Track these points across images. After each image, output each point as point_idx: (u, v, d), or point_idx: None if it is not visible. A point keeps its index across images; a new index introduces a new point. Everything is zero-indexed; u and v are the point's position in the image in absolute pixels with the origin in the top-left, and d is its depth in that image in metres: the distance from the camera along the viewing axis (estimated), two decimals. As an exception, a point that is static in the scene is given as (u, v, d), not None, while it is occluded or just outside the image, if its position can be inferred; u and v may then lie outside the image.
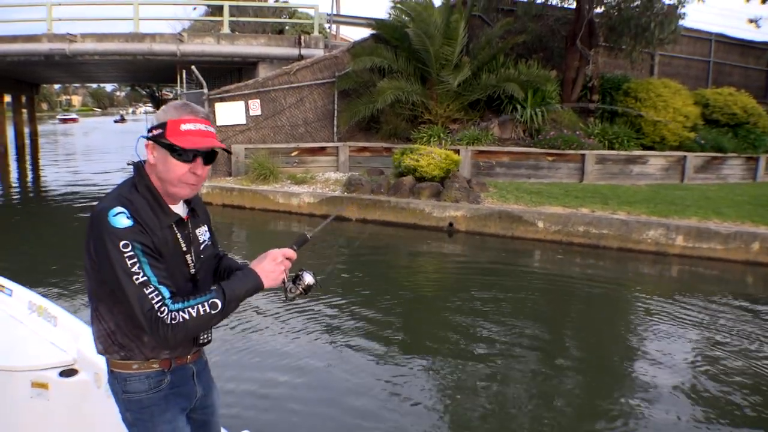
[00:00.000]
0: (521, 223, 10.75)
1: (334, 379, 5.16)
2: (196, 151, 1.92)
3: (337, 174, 14.60)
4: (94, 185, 18.13)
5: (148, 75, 32.10)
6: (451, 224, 11.19)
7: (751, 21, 20.40)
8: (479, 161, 14.05)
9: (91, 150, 33.55)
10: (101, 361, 2.98)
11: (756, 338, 6.38)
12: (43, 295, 3.90)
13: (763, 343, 6.24)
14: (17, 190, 18.58)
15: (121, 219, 1.79)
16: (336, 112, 15.91)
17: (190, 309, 1.78)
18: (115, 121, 72.22)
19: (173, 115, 1.91)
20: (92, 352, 3.05)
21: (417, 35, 13.98)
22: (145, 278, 1.77)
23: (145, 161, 1.98)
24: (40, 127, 36.82)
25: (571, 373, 5.53)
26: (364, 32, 17.96)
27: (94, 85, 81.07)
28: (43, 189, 18.68)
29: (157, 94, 49.95)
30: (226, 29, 19.76)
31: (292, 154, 15.05)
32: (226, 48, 18.79)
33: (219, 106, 15.25)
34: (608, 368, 5.71)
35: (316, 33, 19.12)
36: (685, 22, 18.06)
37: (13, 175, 22.90)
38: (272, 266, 1.97)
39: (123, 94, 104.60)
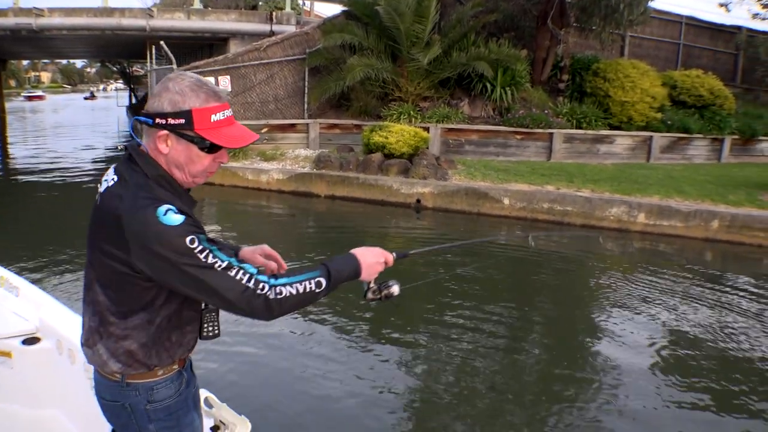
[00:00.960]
0: (487, 199, 10.88)
1: (300, 353, 5.22)
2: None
3: (307, 151, 14.59)
4: (64, 162, 17.89)
5: (118, 51, 31.59)
6: (418, 201, 11.28)
7: (721, 5, 20.55)
8: (449, 139, 14.12)
9: (61, 127, 33.04)
10: (63, 329, 3.03)
11: (715, 310, 6.58)
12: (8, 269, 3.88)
13: (721, 315, 6.45)
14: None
15: (172, 216, 1.58)
16: (306, 88, 15.84)
17: (297, 284, 1.70)
18: (85, 98, 71.06)
19: (196, 102, 1.67)
20: (55, 320, 3.10)
21: (387, 12, 13.94)
22: (225, 262, 1.62)
23: (139, 145, 1.76)
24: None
25: (534, 346, 5.69)
26: (338, 9, 17.84)
27: (64, 62, 79.60)
28: (11, 167, 18.38)
29: (128, 71, 49.11)
30: (196, 4, 19.57)
31: (263, 131, 14.97)
32: (196, 23, 18.62)
33: (188, 82, 15.06)
34: (571, 341, 5.87)
35: (288, 9, 18.99)
36: (656, 5, 18.35)
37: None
38: (374, 260, 1.91)
39: (93, 70, 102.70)
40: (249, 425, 2.23)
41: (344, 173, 12.18)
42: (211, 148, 1.72)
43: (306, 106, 15.94)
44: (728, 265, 9.05)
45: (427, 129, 13.64)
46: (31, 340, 3.21)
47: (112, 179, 1.73)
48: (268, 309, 1.66)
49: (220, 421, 2.26)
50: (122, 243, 1.61)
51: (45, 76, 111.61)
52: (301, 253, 8.34)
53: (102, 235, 1.69)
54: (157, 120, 1.67)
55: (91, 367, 1.90)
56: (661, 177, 12.46)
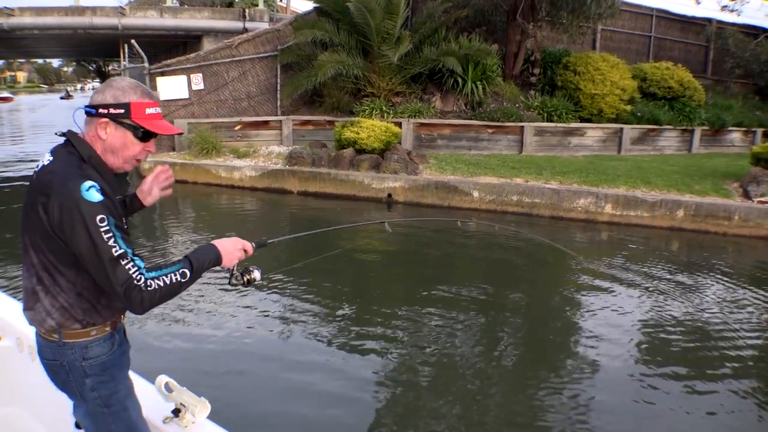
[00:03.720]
0: (457, 193, 10.98)
1: (281, 346, 5.32)
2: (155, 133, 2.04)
3: (280, 148, 14.60)
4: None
5: (92, 49, 31.35)
6: (389, 195, 11.36)
7: (691, -3, 20.86)
8: (421, 134, 14.21)
9: (38, 126, 32.71)
10: (23, 326, 3.05)
11: (681, 298, 6.72)
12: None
13: (688, 302, 6.60)
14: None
15: (93, 193, 1.83)
16: (279, 85, 15.85)
17: (164, 277, 1.90)
18: (62, 98, 70.09)
19: (134, 97, 1.98)
20: (13, 318, 3.12)
21: (358, 9, 13.98)
22: (122, 251, 1.84)
23: (80, 134, 2.01)
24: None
25: (505, 336, 5.79)
26: (312, 5, 17.83)
27: (41, 61, 78.55)
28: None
29: (104, 70, 48.74)
30: (169, 2, 19.48)
31: (236, 128, 14.98)
32: (169, 21, 18.54)
33: (161, 81, 15.06)
34: (542, 333, 5.97)
35: (261, 6, 18.96)
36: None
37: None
38: (233, 248, 2.16)
39: (70, 69, 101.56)
40: (209, 406, 2.31)
41: (316, 169, 12.23)
42: (143, 137, 2.02)
43: (279, 102, 15.96)
44: (693, 254, 9.20)
45: (399, 124, 13.72)
46: None
47: (48, 159, 1.97)
48: (141, 301, 1.86)
49: (181, 404, 2.32)
50: (49, 208, 1.84)
51: (21, 76, 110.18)
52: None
53: (34, 203, 1.90)
54: (100, 110, 1.97)
55: None
56: (629, 168, 12.63)
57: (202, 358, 4.96)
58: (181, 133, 2.30)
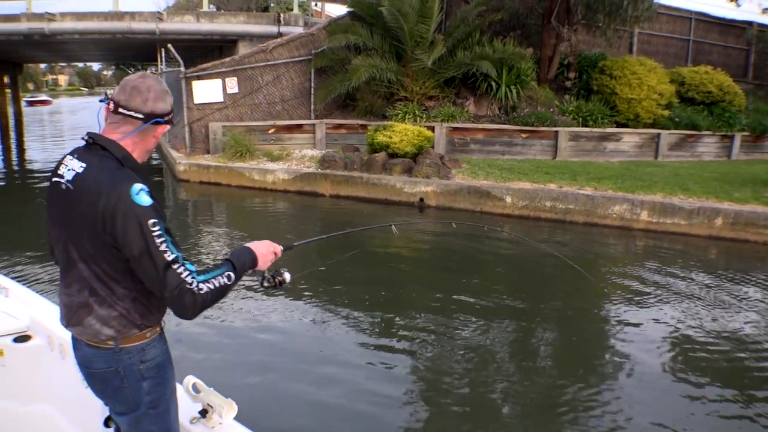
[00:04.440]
0: (489, 198, 10.89)
1: (308, 348, 5.34)
2: None
3: (313, 151, 14.67)
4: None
5: (130, 54, 31.92)
6: (422, 199, 11.32)
7: (731, 0, 20.38)
8: (454, 138, 14.14)
9: (78, 128, 33.35)
10: (53, 325, 3.11)
11: (719, 308, 6.56)
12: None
13: (727, 313, 6.43)
14: (2, 169, 18.57)
15: (143, 197, 1.82)
16: (313, 89, 15.94)
17: (213, 280, 1.90)
18: (101, 101, 71.21)
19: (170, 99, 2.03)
20: (45, 318, 3.19)
21: (391, 13, 13.99)
22: (174, 255, 1.84)
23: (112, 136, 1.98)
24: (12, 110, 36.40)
25: (541, 343, 5.74)
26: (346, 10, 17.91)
27: (81, 65, 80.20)
28: (29, 168, 18.69)
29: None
30: (205, 7, 19.72)
31: (269, 132, 15.09)
32: (205, 26, 18.77)
33: (196, 84, 15.24)
34: (577, 340, 5.90)
35: (295, 11, 19.10)
36: (665, 0, 18.16)
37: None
38: (266, 251, 2.18)
39: (110, 73, 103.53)
40: (236, 407, 2.32)
41: (348, 173, 12.25)
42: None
43: (312, 106, 16.04)
44: (732, 263, 8.97)
45: (432, 128, 13.67)
46: (22, 338, 3.29)
47: (80, 166, 1.91)
48: (194, 304, 1.86)
49: (208, 405, 2.34)
50: (101, 217, 1.81)
51: (62, 79, 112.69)
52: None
53: (81, 214, 1.86)
54: (167, 117, 2.01)
55: None
56: (666, 174, 12.38)
57: (230, 360, 5.00)
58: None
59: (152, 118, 1.96)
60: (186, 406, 2.41)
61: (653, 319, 6.21)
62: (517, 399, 4.58)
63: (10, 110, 35.27)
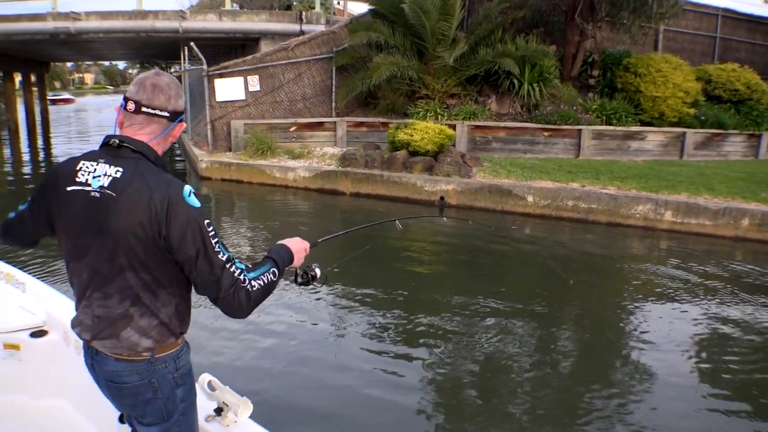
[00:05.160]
0: (511, 197, 10.80)
1: (324, 348, 5.33)
2: None
3: (334, 149, 14.67)
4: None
5: (155, 52, 32.18)
6: (442, 198, 11.25)
7: (759, -4, 20.05)
8: (476, 136, 14.05)
9: (103, 126, 33.73)
10: (70, 321, 3.14)
11: (745, 311, 6.43)
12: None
13: (752, 317, 6.30)
14: (28, 167, 18.85)
15: (194, 198, 1.80)
16: (334, 87, 15.95)
17: (262, 277, 1.92)
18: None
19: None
20: (61, 313, 3.20)
21: (413, 10, 13.93)
22: (227, 255, 1.84)
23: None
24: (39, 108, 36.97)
25: (566, 345, 5.67)
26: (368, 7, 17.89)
27: (107, 63, 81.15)
28: (54, 164, 18.94)
29: (166, 72, 50.13)
30: (228, 5, 19.82)
31: (291, 129, 15.12)
32: (227, 24, 18.87)
33: (218, 82, 15.32)
34: (601, 341, 5.80)
35: (317, 9, 19.12)
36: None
37: (24, 151, 23.29)
38: (300, 247, 2.21)
39: (135, 71, 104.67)
40: (251, 406, 2.30)
41: (369, 171, 12.23)
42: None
43: (333, 104, 16.05)
44: (759, 265, 8.78)
45: (453, 126, 13.60)
46: (38, 333, 3.32)
47: (117, 171, 1.82)
48: (248, 301, 1.85)
49: (224, 403, 2.33)
50: (154, 221, 1.76)
51: (88, 78, 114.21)
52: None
53: (131, 221, 1.77)
54: (183, 115, 2.01)
55: None
56: (691, 174, 12.18)
57: (244, 357, 5.00)
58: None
59: (177, 117, 1.94)
60: (201, 403, 2.38)
61: (677, 323, 6.10)
62: (534, 405, 4.51)
63: (37, 108, 35.86)
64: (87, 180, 1.83)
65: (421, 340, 5.47)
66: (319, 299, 6.43)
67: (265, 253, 2.08)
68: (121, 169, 1.81)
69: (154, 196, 1.76)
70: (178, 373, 1.99)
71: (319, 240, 2.48)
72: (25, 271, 3.85)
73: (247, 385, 4.17)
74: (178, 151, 20.32)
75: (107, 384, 2.00)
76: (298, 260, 2.19)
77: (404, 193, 11.62)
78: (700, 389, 4.69)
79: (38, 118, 34.99)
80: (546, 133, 14.01)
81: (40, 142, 26.81)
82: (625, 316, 6.46)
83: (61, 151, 22.24)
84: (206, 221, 1.80)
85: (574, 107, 14.55)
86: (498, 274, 7.85)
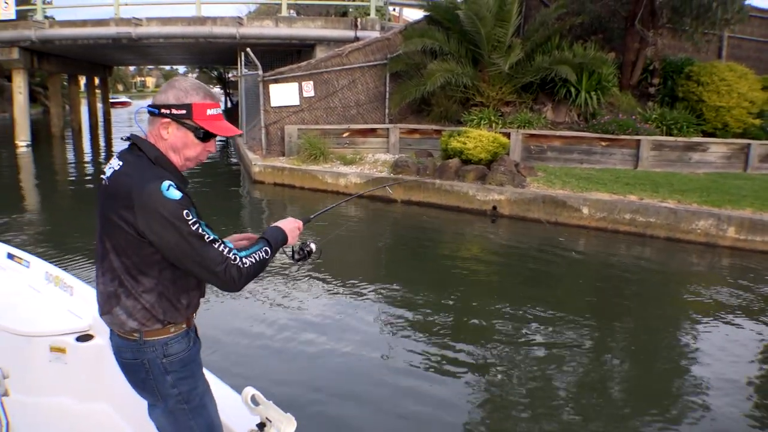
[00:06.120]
0: (565, 208, 10.55)
1: (370, 358, 5.31)
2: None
3: (387, 155, 14.63)
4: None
5: (213, 57, 32.83)
6: (494, 208, 11.08)
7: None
8: (530, 145, 13.81)
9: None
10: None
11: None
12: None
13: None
14: (90, 166, 19.42)
15: (174, 192, 1.89)
16: (387, 94, 15.94)
17: (254, 254, 2.05)
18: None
19: (196, 98, 2.02)
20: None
21: (468, 17, 13.80)
22: (212, 236, 1.95)
23: (143, 135, 2.08)
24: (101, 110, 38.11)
25: (620, 364, 5.50)
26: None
27: (167, 67, 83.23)
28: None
29: (224, 77, 51.23)
30: (284, 12, 20.03)
31: (343, 135, 15.16)
32: (283, 31, 19.08)
33: (273, 88, 15.49)
34: (658, 363, 5.58)
35: (372, 15, 19.15)
36: (758, 2, 17.21)
37: (87, 151, 24.05)
38: (292, 227, 2.33)
39: (194, 76, 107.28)
40: (294, 423, 2.29)
41: (420, 178, 12.14)
42: (204, 137, 2.07)
43: (387, 111, 16.04)
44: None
45: (507, 135, 13.39)
46: (84, 337, 3.39)
47: (118, 164, 2.03)
48: (240, 277, 1.98)
49: (267, 418, 2.32)
50: (131, 212, 1.90)
51: (150, 81, 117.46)
52: (378, 258, 8.41)
53: (113, 208, 1.95)
54: (163, 110, 2.01)
55: None
56: (757, 188, 11.65)
57: (289, 370, 4.96)
58: (240, 134, 2.26)
59: (157, 109, 2.04)
60: (244, 417, 2.42)
61: (736, 346, 5.82)
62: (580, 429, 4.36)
63: (99, 110, 37.06)
64: (106, 171, 2.07)
65: (467, 354, 5.36)
66: (367, 307, 6.39)
67: (259, 234, 2.23)
68: (121, 163, 2.02)
69: (132, 188, 1.89)
70: (167, 360, 2.09)
71: (311, 216, 2.61)
72: (72, 274, 3.91)
73: (292, 398, 4.14)
74: (234, 157, 20.64)
75: (115, 357, 2.20)
76: (292, 239, 2.31)
77: (456, 201, 11.49)
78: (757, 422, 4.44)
79: (100, 119, 36.13)
80: (603, 143, 13.66)
81: (101, 143, 27.63)
82: (681, 337, 6.20)
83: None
84: (184, 211, 1.89)
85: (633, 116, 14.16)
86: (552, 284, 7.66)
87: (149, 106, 2.05)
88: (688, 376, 5.22)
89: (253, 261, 2.03)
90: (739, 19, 13.88)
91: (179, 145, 2.04)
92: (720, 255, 9.37)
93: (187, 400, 2.15)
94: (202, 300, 2.23)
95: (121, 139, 2.11)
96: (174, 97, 2.01)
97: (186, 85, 2.04)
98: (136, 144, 2.04)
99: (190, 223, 1.90)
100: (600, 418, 4.46)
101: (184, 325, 2.14)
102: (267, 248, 2.12)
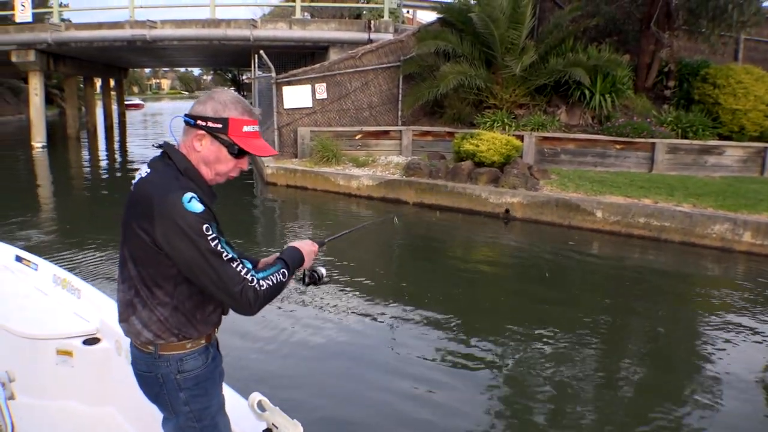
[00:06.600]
0: (579, 212, 10.46)
1: (383, 355, 5.34)
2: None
3: (399, 158, 14.61)
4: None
5: (226, 59, 33.02)
6: (507, 211, 11.01)
7: None
8: (543, 148, 13.73)
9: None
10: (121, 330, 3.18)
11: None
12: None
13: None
14: (105, 167, 19.56)
15: (195, 204, 1.83)
16: (400, 96, 15.92)
17: (271, 277, 1.97)
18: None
19: (234, 113, 1.96)
20: (114, 322, 3.25)
21: (481, 19, 13.75)
22: (231, 255, 1.87)
23: (176, 145, 2.04)
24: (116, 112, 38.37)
25: (633, 368, 5.42)
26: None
27: (182, 69, 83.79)
28: (128, 166, 19.60)
29: (238, 79, 51.66)
30: (298, 14, 20.08)
31: (356, 138, 15.16)
32: (297, 33, 19.14)
33: (286, 90, 15.51)
34: (673, 365, 5.52)
35: (386, 17, 19.15)
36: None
37: (102, 150, 24.22)
38: (310, 250, 2.24)
39: (209, 78, 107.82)
40: (301, 429, 2.27)
41: (433, 181, 12.10)
42: (238, 154, 2.00)
43: (399, 113, 16.02)
44: None
45: (521, 137, 13.31)
46: (91, 341, 3.37)
47: (146, 172, 1.98)
48: (256, 299, 1.90)
49: (273, 425, 2.31)
50: (150, 222, 1.84)
51: (165, 83, 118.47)
52: (392, 261, 8.37)
53: (135, 216, 1.90)
54: (199, 122, 1.96)
55: None
56: (774, 192, 11.52)
57: (297, 375, 4.93)
58: (276, 154, 2.19)
59: (193, 120, 2.00)
60: (250, 423, 2.39)
61: (751, 351, 5.73)
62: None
63: (114, 112, 37.35)
64: (135, 178, 2.02)
65: (479, 359, 5.31)
66: (379, 309, 6.35)
67: (277, 254, 2.15)
68: (149, 171, 1.97)
69: (152, 198, 1.85)
70: (181, 376, 2.04)
71: (326, 240, 2.51)
72: (83, 277, 3.91)
73: (298, 404, 4.12)
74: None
75: (132, 368, 2.14)
76: (307, 262, 2.23)
77: (468, 204, 11.43)
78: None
79: (116, 121, 36.38)
80: (617, 146, 13.55)
81: (116, 145, 27.81)
82: (696, 341, 6.11)
83: (137, 154, 22.92)
84: (204, 225, 1.83)
85: (648, 119, 14.04)
86: (565, 287, 7.59)
87: (186, 115, 2.01)
88: (701, 376, 5.15)
89: (270, 284, 1.96)
90: (756, 21, 13.72)
91: (211, 159, 1.99)
92: (736, 260, 9.24)
93: (198, 418, 2.09)
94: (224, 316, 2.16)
95: (153, 146, 2.08)
96: (212, 110, 1.96)
97: (225, 98, 1.99)
98: (167, 152, 1.99)
99: (209, 238, 1.83)
100: (613, 420, 4.40)
101: (203, 341, 2.08)
102: (284, 270, 2.04)
